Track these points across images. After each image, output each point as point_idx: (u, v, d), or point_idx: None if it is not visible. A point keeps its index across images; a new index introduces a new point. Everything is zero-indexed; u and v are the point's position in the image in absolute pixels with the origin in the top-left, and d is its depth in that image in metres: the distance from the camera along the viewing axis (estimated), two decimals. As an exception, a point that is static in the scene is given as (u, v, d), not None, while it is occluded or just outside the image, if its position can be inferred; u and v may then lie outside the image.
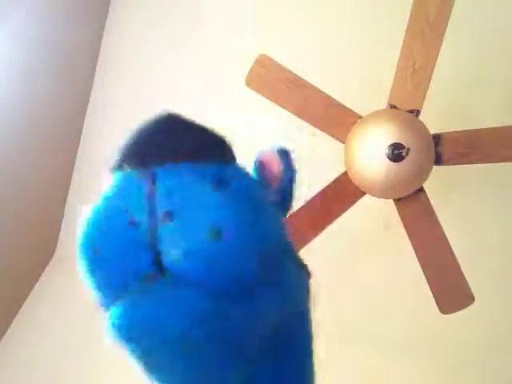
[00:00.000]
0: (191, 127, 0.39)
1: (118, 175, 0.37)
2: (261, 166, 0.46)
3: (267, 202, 0.40)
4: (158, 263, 0.34)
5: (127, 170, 0.36)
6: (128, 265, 0.34)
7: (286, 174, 0.45)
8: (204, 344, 0.34)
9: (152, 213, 0.33)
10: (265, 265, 0.36)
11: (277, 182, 0.44)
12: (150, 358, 0.36)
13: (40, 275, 2.54)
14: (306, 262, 0.45)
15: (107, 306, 0.36)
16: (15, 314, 2.42)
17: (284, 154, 0.46)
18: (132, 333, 0.34)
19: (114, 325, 0.35)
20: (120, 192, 0.36)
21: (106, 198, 0.37)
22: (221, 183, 0.35)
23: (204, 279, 0.33)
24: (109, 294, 0.36)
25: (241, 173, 0.41)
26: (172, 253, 0.33)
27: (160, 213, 0.33)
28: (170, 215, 0.33)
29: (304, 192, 1.64)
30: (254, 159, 0.47)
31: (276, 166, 0.45)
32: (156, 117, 0.41)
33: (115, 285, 0.35)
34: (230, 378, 0.37)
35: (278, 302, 0.39)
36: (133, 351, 0.35)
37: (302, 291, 0.45)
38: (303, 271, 0.46)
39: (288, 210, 0.46)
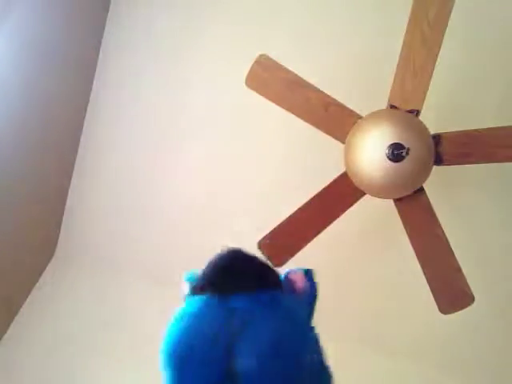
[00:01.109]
0: (252, 259, 0.53)
1: (200, 299, 0.48)
2: (289, 281, 0.58)
3: (307, 319, 0.54)
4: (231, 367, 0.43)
5: (206, 294, 0.48)
6: (212, 364, 0.44)
7: (311, 291, 0.58)
8: None
9: (231, 330, 0.44)
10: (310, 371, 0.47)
11: (301, 296, 0.57)
12: None
13: (40, 275, 2.55)
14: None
15: None
16: (16, 313, 2.42)
17: (309, 275, 0.59)
18: None
19: None
20: (203, 317, 0.46)
21: (192, 319, 0.47)
22: (277, 306, 0.48)
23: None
24: None
25: (289, 298, 0.54)
26: (245, 359, 0.43)
27: (237, 329, 0.44)
28: (243, 331, 0.44)
29: (304, 192, 1.64)
30: (284, 274, 0.59)
31: (302, 284, 0.57)
32: (224, 251, 0.53)
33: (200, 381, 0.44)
34: None
35: None
36: None
37: None
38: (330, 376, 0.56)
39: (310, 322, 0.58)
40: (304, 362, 0.47)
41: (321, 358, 0.52)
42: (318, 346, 0.52)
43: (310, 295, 0.57)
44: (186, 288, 0.53)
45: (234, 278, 0.50)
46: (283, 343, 0.46)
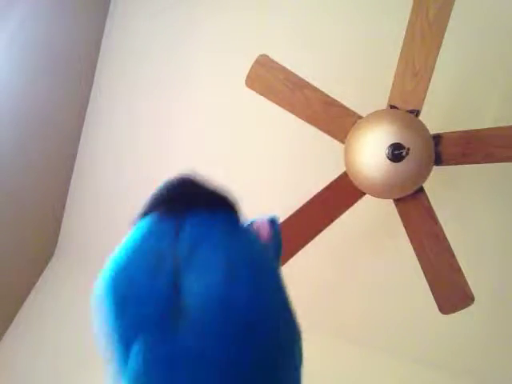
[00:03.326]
0: (205, 183, 0.48)
1: (147, 219, 0.43)
2: (254, 230, 0.53)
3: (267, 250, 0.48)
4: (177, 302, 0.37)
5: (155, 215, 0.42)
6: (154, 301, 0.38)
7: (274, 239, 0.53)
8: None
9: (177, 254, 0.38)
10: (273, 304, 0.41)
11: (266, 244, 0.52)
12: None
13: (40, 275, 2.55)
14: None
15: (126, 343, 0.39)
16: (16, 312, 2.42)
17: (274, 223, 0.55)
18: (148, 374, 0.38)
19: (132, 364, 0.38)
20: (151, 234, 0.41)
21: (139, 239, 0.42)
22: (233, 229, 0.43)
23: (217, 321, 0.37)
24: (130, 330, 0.39)
25: (248, 228, 0.49)
26: (193, 288, 0.37)
27: (184, 253, 0.39)
28: (191, 256, 0.38)
29: (304, 192, 1.64)
30: (249, 222, 0.54)
31: (266, 233, 0.53)
32: (176, 176, 0.48)
33: (139, 320, 0.38)
34: None
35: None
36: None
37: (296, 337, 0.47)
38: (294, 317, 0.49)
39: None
40: (264, 296, 0.42)
41: (286, 300, 0.45)
42: (282, 287, 0.45)
43: (275, 244, 0.52)
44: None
45: (185, 196, 0.46)
46: (239, 270, 0.40)
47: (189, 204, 0.44)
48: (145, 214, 0.46)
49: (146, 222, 0.44)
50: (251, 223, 0.53)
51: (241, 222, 0.48)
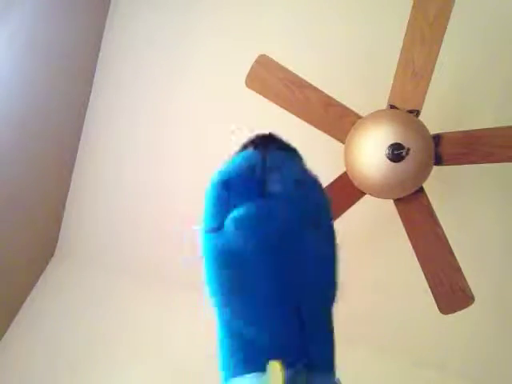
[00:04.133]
0: (281, 138, 0.62)
1: (245, 153, 0.60)
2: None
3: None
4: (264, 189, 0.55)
5: (249, 150, 0.59)
6: (250, 187, 0.55)
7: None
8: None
9: (264, 167, 0.56)
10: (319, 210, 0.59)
11: None
12: (259, 246, 0.52)
13: (40, 275, 2.55)
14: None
15: (232, 208, 0.54)
16: (16, 312, 2.43)
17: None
18: (252, 222, 0.52)
19: (239, 217, 0.53)
20: (244, 158, 0.58)
21: (237, 160, 0.59)
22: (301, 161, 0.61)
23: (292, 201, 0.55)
24: (236, 200, 0.55)
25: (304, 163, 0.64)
26: (275, 187, 0.54)
27: (269, 167, 0.56)
28: (273, 171, 0.56)
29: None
30: None
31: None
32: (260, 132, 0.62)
33: (242, 194, 0.55)
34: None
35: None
36: (249, 238, 0.52)
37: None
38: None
39: None
40: (321, 212, 0.59)
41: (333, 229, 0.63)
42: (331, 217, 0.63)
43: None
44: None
45: (271, 141, 0.60)
46: (306, 184, 0.58)
47: (273, 146, 0.59)
48: (243, 148, 0.61)
49: (239, 154, 0.60)
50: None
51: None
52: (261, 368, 0.47)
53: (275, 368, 0.46)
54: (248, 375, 0.48)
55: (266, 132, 0.62)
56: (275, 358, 0.47)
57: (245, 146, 0.62)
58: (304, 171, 0.61)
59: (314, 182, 0.61)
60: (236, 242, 0.52)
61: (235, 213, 0.53)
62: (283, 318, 0.51)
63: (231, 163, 0.61)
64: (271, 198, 0.54)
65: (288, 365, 0.46)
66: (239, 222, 0.53)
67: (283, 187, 0.55)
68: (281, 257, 0.53)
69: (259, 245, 0.52)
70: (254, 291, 0.51)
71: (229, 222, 0.53)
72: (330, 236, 0.63)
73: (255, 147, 0.60)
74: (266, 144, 0.60)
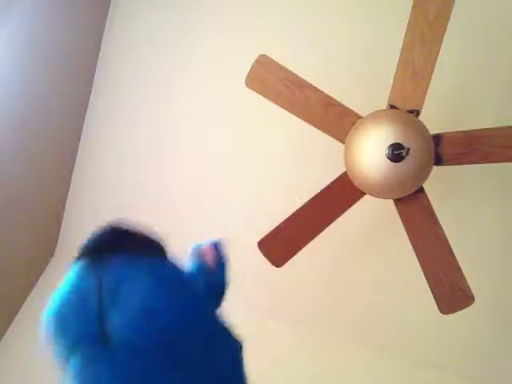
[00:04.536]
0: (135, 231, 0.54)
1: (77, 266, 0.51)
2: (198, 255, 0.58)
3: (193, 290, 0.53)
4: (102, 330, 0.46)
5: (83, 262, 0.50)
6: (82, 329, 0.47)
7: (220, 264, 0.57)
8: None
9: (101, 292, 0.46)
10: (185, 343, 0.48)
11: (211, 270, 0.57)
12: None
13: (40, 275, 2.55)
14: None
15: (65, 357, 0.48)
16: (16, 313, 2.42)
17: (218, 247, 0.59)
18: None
19: (70, 374, 0.47)
20: (76, 287, 0.49)
21: (68, 288, 0.50)
22: (157, 275, 0.49)
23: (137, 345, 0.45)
24: (67, 349, 0.48)
25: (173, 268, 0.54)
26: (115, 323, 0.45)
27: (108, 290, 0.46)
28: (114, 293, 0.46)
29: (304, 192, 1.64)
30: (191, 248, 0.59)
31: (210, 258, 0.57)
32: (107, 225, 0.54)
33: (72, 342, 0.47)
34: None
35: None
36: None
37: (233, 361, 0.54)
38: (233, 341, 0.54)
39: (224, 293, 0.58)
40: (186, 333, 0.48)
41: (215, 329, 0.51)
42: (213, 318, 0.52)
43: (220, 267, 0.58)
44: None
45: (110, 244, 0.52)
46: (157, 311, 0.47)
47: (112, 250, 0.50)
48: (78, 259, 0.53)
49: (75, 270, 0.51)
50: (195, 249, 0.58)
51: (165, 259, 0.54)
52: None
53: None
54: None
55: (108, 228, 0.53)
56: None
57: (79, 256, 0.53)
58: (156, 282, 0.50)
59: (167, 297, 0.49)
60: None
61: (70, 366, 0.47)
62: None
63: (60, 291, 0.51)
64: (107, 346, 0.45)
65: None
66: (73, 380, 0.47)
67: (124, 320, 0.46)
68: None
69: None
70: None
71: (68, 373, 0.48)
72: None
73: (90, 259, 0.51)
74: (106, 252, 0.51)
